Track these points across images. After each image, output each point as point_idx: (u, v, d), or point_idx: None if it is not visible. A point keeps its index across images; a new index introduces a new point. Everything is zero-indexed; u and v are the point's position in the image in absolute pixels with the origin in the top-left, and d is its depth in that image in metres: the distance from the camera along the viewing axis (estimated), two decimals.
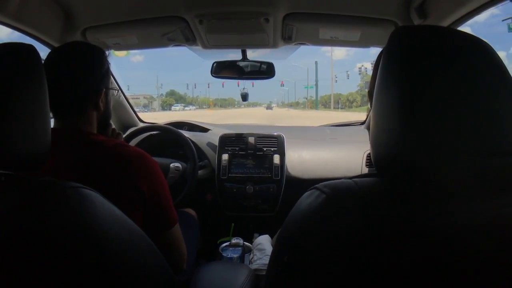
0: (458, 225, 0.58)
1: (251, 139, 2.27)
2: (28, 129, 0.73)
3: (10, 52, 0.76)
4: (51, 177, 0.73)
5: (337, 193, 0.64)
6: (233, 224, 2.19)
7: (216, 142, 2.29)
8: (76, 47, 1.21)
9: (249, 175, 2.19)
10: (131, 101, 2.62)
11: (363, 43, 1.87)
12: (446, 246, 0.57)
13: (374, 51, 0.90)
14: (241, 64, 2.15)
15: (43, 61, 0.79)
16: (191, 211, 2.02)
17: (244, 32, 1.78)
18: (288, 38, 1.86)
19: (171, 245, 1.19)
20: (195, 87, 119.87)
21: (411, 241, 0.57)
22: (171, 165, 2.03)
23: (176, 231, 1.20)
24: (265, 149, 2.23)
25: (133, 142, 2.20)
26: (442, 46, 0.61)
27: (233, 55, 2.18)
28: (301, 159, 2.26)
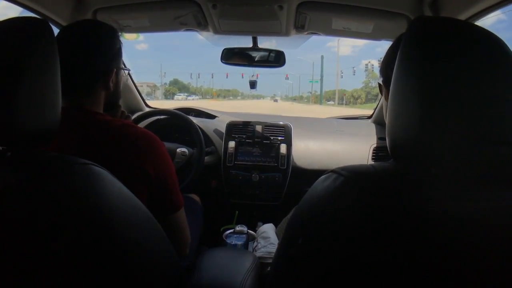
0: (468, 211, 0.58)
1: (259, 127, 2.27)
2: (37, 106, 0.72)
3: (23, 26, 0.74)
4: None
5: (355, 175, 0.64)
6: (237, 211, 2.19)
7: (223, 129, 2.29)
8: (87, 24, 1.18)
9: (255, 163, 2.19)
10: None
11: (375, 35, 1.87)
12: (458, 232, 0.57)
13: (380, 49, 0.92)
14: (251, 51, 2.14)
15: None
16: (196, 197, 2.03)
17: (256, 19, 1.77)
18: (300, 27, 1.85)
19: (175, 229, 1.17)
20: (198, 77, 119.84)
21: (427, 224, 0.58)
22: (178, 150, 2.03)
23: (181, 215, 1.19)
24: (272, 138, 2.23)
25: (140, 126, 2.17)
26: (460, 38, 0.62)
27: (244, 43, 2.17)
28: (307, 150, 2.25)
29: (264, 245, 1.63)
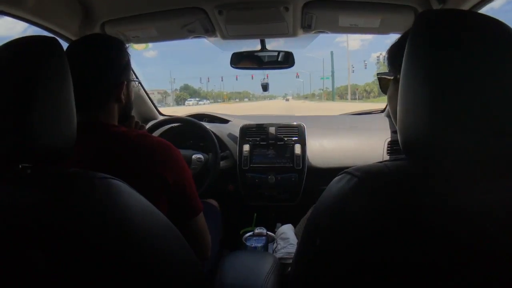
0: (483, 204, 0.58)
1: (272, 129, 2.27)
2: (53, 122, 0.72)
3: (33, 45, 0.75)
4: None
5: (369, 175, 0.64)
6: (255, 214, 2.20)
7: (237, 133, 2.30)
8: (96, 39, 1.19)
9: (270, 165, 2.20)
10: None
11: (383, 30, 1.84)
12: (475, 225, 0.57)
13: (389, 41, 0.91)
14: (260, 54, 2.13)
15: None
16: (213, 202, 2.04)
17: (263, 22, 1.77)
18: (307, 27, 1.84)
19: (196, 233, 1.19)
20: (208, 81, 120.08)
21: (444, 220, 0.57)
22: (193, 156, 2.04)
23: (200, 220, 1.20)
24: (286, 138, 2.23)
25: (154, 135, 2.19)
26: (469, 29, 0.61)
27: (252, 45, 2.16)
28: (322, 148, 2.25)
29: (284, 246, 1.64)
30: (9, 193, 0.68)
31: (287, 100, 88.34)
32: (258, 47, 2.12)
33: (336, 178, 0.70)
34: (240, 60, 2.14)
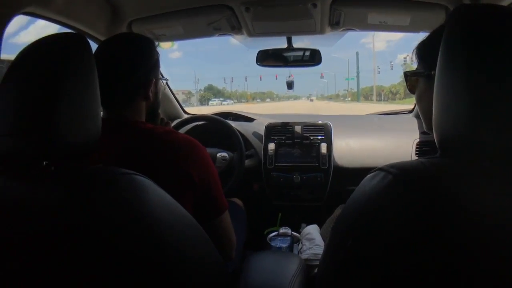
0: None
1: (298, 128, 2.23)
2: (78, 119, 0.73)
3: (60, 41, 0.75)
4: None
5: (404, 172, 0.61)
6: (280, 214, 2.18)
7: (262, 132, 2.27)
8: (126, 38, 1.22)
9: (296, 164, 2.17)
10: None
11: (413, 28, 1.80)
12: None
13: (416, 43, 0.89)
14: (287, 52, 2.11)
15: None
16: (238, 201, 2.03)
17: (290, 19, 1.75)
18: (335, 24, 1.81)
19: (221, 233, 1.17)
20: (232, 81, 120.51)
21: (482, 220, 0.55)
22: (218, 154, 2.05)
23: (226, 218, 1.19)
24: (311, 137, 2.20)
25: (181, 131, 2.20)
26: (505, 24, 0.60)
27: (278, 43, 2.14)
28: (348, 148, 2.21)
29: (310, 247, 1.61)
30: (33, 191, 0.68)
31: (311, 100, 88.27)
32: (284, 45, 2.10)
33: (369, 175, 0.68)
34: (266, 58, 2.13)
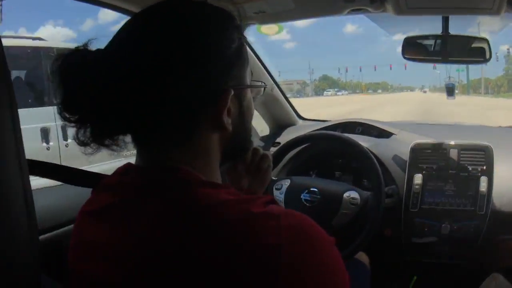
0: None
1: (453, 153, 1.61)
2: None
3: None
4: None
5: None
6: (415, 277, 1.69)
7: (405, 155, 1.68)
8: (170, 7, 0.65)
9: (447, 208, 1.57)
10: (284, 87, 2.25)
11: None
12: None
13: None
14: (444, 41, 1.52)
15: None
16: (363, 257, 1.48)
17: None
18: None
19: None
20: (346, 71, 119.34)
21: None
22: (346, 195, 1.50)
23: None
24: (470, 168, 1.57)
25: (286, 157, 1.74)
26: None
27: (426, 28, 1.65)
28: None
29: None
30: None
31: (425, 92, 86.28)
32: (438, 32, 1.52)
33: None
34: (416, 49, 1.59)
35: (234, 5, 1.30)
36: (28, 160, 0.62)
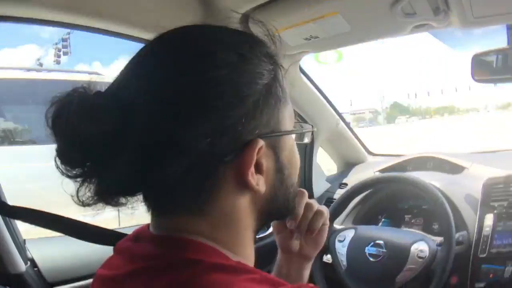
0: None
1: None
2: None
3: None
4: None
5: None
6: None
7: (477, 193, 1.48)
8: (185, 35, 0.55)
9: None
10: (356, 116, 2.13)
11: None
12: None
13: None
14: (504, 55, 1.33)
15: None
16: None
17: None
18: None
19: None
20: (416, 97, 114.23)
21: None
22: (414, 247, 1.37)
23: None
24: None
25: (354, 201, 1.69)
26: None
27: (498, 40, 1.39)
28: None
29: None
30: None
31: (488, 111, 78.47)
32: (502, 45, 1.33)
33: None
34: (486, 67, 1.35)
35: (278, 31, 1.18)
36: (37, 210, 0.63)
